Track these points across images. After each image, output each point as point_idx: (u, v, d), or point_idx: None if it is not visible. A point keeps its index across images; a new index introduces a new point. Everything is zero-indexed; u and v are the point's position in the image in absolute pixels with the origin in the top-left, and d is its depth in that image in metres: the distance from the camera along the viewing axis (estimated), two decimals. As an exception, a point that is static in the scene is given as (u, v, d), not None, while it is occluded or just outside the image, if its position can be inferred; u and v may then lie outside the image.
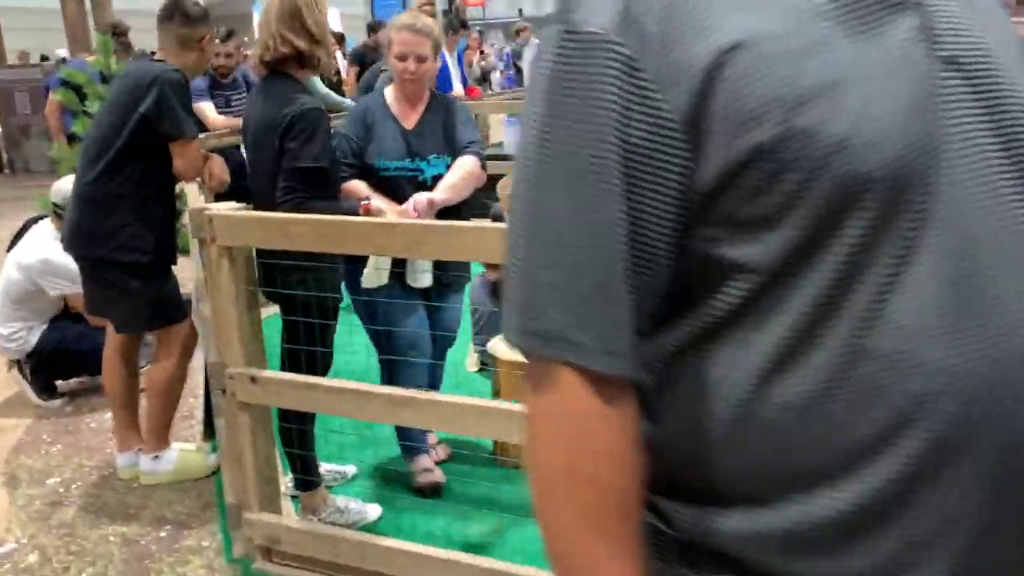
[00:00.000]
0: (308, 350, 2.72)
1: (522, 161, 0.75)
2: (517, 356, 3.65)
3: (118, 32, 7.16)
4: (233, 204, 2.51)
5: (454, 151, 2.99)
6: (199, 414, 3.67)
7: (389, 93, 3.04)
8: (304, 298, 2.65)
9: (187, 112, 2.98)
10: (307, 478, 2.90)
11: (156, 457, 3.27)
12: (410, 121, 2.99)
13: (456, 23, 9.01)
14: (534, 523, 0.77)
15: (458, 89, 7.81)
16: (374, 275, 2.89)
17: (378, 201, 2.75)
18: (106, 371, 3.32)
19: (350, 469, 3.27)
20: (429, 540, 2.62)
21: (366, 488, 3.17)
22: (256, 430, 2.58)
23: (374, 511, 2.96)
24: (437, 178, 2.92)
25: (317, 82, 6.19)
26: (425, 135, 2.97)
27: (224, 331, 2.51)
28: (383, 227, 2.20)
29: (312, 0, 2.64)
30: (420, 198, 2.78)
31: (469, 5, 18.61)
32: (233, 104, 5.45)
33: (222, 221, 2.37)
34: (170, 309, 3.13)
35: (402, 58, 2.92)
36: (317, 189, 2.58)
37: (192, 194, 2.80)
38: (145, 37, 5.39)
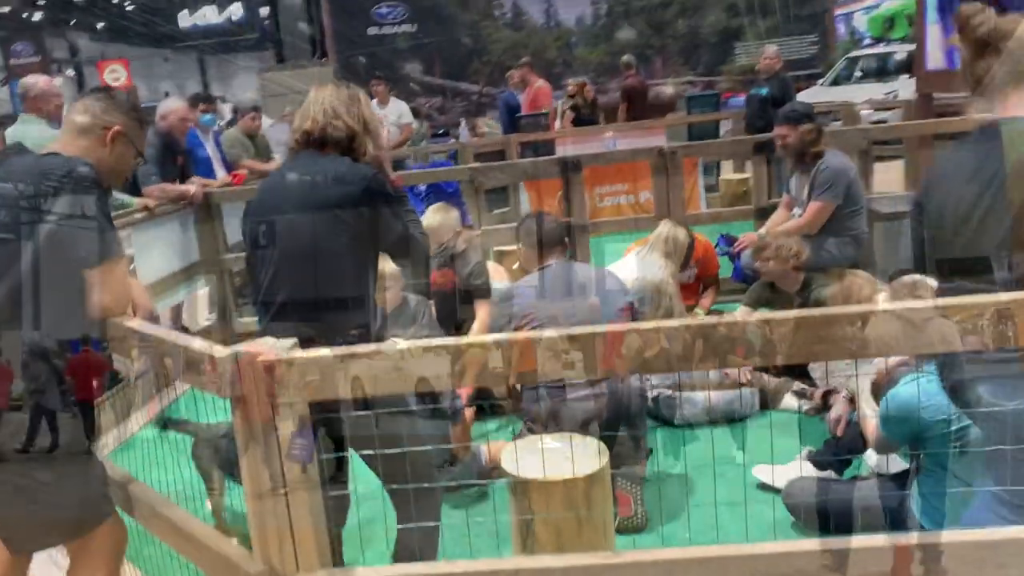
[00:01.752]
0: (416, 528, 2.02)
1: None
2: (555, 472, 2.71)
3: None
4: (271, 340, 1.74)
5: None
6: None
7: None
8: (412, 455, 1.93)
9: (110, 223, 2.10)
10: None
11: None
12: None
13: (202, 96, 7.99)
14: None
15: (222, 175, 6.73)
16: None
17: None
18: (-18, 614, 2.24)
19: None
20: None
21: None
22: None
23: None
24: None
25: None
26: None
27: (280, 525, 1.73)
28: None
29: (365, 97, 2.51)
30: None
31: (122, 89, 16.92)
32: None
33: (305, 369, 1.61)
34: (99, 504, 2.17)
35: None
36: None
37: (160, 332, 1.89)
38: None
